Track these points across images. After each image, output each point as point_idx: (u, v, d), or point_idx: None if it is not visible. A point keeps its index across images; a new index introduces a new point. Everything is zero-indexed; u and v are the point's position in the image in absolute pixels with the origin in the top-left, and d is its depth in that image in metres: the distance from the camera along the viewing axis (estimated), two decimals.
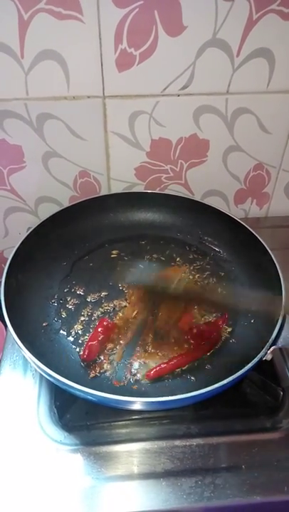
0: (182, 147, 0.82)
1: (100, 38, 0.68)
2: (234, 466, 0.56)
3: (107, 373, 0.62)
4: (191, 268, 0.77)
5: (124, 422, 0.60)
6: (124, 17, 0.66)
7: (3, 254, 0.96)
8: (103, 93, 0.74)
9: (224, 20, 0.67)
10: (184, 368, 0.62)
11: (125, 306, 0.70)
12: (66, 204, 0.83)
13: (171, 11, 0.66)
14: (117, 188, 0.87)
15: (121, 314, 0.69)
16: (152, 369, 0.61)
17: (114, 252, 0.80)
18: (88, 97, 0.74)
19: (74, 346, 0.65)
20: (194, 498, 0.53)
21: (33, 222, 0.74)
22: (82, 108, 0.75)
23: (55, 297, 0.71)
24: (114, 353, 0.64)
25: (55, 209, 0.77)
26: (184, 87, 0.74)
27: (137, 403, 0.54)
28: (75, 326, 0.67)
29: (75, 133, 0.78)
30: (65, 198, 0.87)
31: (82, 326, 0.67)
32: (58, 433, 0.58)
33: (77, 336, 0.66)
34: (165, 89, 0.74)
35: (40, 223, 0.73)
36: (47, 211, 0.78)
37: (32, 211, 0.89)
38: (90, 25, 0.66)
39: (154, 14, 0.66)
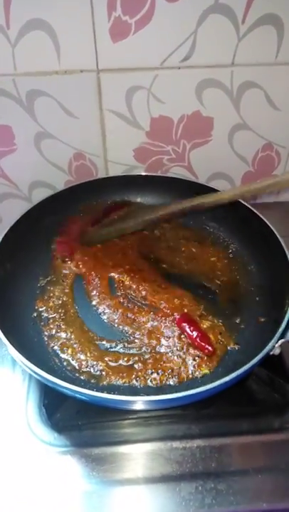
0: (184, 126, 0.78)
1: (92, 5, 0.63)
2: (238, 471, 0.53)
3: (99, 370, 0.57)
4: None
5: (118, 422, 0.57)
6: None
7: None
8: (97, 66, 0.69)
9: None
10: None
11: None
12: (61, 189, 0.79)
13: None
14: (115, 171, 0.84)
15: None
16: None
17: None
18: (81, 71, 0.69)
19: None
20: (194, 504, 0.50)
21: (28, 208, 0.70)
22: (74, 83, 0.71)
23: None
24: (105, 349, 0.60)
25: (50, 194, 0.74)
26: (185, 59, 0.69)
27: (131, 402, 0.51)
28: None
29: (68, 111, 0.74)
30: (60, 183, 0.84)
31: None
32: (47, 433, 0.56)
33: None
34: (164, 61, 0.69)
35: (30, 209, 0.70)
36: (42, 197, 0.74)
37: (26, 197, 0.85)
38: None
39: None
